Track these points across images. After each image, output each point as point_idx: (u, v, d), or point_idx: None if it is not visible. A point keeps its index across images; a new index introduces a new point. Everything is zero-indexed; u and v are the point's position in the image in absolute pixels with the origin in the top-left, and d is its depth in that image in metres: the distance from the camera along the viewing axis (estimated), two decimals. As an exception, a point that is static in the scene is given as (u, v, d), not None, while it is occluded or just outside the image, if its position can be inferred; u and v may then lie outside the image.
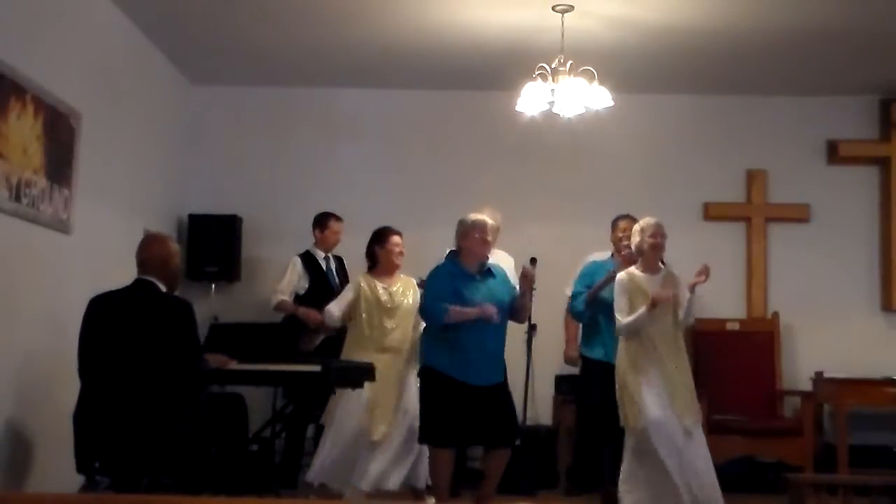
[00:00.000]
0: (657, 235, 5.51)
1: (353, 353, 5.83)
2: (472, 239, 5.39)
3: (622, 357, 5.47)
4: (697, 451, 5.31)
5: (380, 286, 5.89)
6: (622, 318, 5.41)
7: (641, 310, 5.33)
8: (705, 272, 5.45)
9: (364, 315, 5.85)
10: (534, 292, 5.67)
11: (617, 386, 5.45)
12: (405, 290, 5.91)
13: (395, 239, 5.96)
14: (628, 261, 5.71)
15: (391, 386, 5.69)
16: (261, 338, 5.64)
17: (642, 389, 5.31)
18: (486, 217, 5.52)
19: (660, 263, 5.60)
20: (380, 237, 5.99)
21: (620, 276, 5.52)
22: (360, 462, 5.63)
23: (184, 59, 7.27)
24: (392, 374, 5.70)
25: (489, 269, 5.45)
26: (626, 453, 5.37)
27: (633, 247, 5.60)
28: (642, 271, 5.50)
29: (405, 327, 5.83)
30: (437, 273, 5.46)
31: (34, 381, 5.14)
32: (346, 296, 5.96)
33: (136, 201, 6.69)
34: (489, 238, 5.43)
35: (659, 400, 5.29)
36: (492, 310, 5.25)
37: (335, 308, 5.93)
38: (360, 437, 5.66)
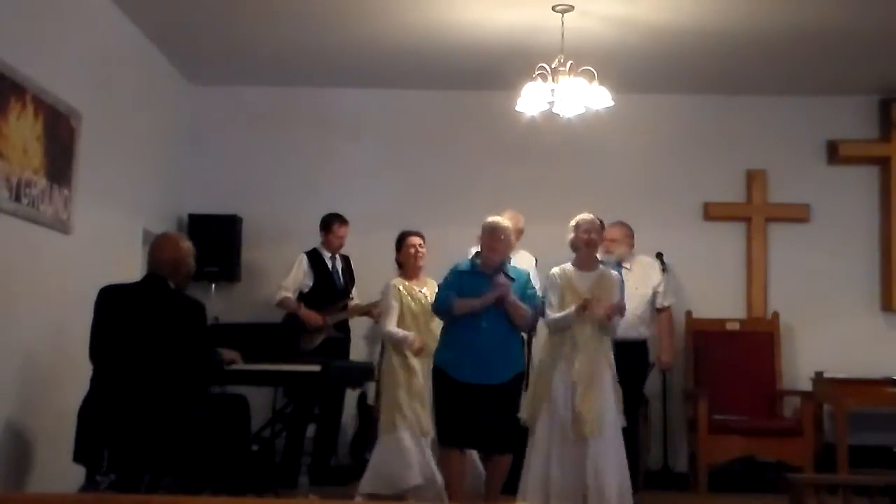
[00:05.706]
0: (591, 231, 5.41)
1: (402, 357, 5.81)
2: (484, 241, 5.43)
3: (543, 351, 5.42)
4: (595, 456, 5.12)
5: (416, 289, 5.90)
6: (551, 314, 5.33)
7: (570, 309, 5.22)
8: (614, 311, 5.24)
9: (411, 320, 5.84)
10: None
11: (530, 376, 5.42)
12: (433, 293, 5.81)
13: (410, 240, 5.96)
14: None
15: None
16: (261, 338, 5.66)
17: (545, 388, 5.25)
18: (499, 219, 5.50)
19: (597, 262, 5.50)
20: (397, 242, 6.03)
21: (553, 270, 5.42)
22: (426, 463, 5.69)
23: (184, 59, 7.27)
24: None
25: (504, 272, 5.40)
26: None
27: (567, 243, 5.50)
28: (577, 268, 5.42)
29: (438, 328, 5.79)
30: (450, 271, 5.50)
31: (34, 380, 5.14)
32: (393, 305, 5.86)
33: (136, 201, 6.69)
34: (502, 240, 5.39)
35: (556, 403, 5.19)
36: (503, 288, 5.21)
37: (391, 326, 5.84)
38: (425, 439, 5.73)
